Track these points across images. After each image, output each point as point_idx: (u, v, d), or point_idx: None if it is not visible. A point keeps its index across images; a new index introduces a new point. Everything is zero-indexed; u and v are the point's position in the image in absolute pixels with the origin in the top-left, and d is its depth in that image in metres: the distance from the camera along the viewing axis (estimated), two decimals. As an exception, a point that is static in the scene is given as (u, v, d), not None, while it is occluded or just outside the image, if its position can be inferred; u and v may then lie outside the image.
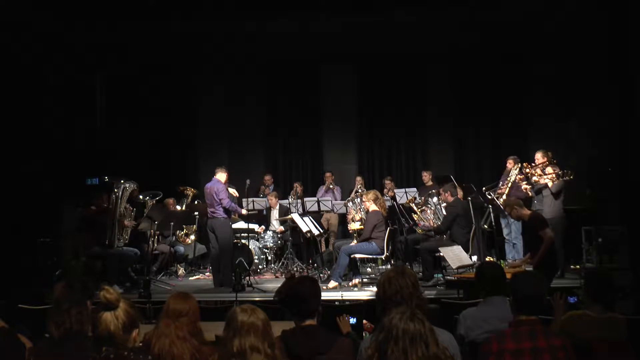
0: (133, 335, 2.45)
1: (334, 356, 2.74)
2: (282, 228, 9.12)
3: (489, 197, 7.88)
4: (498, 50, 10.11)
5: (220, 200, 7.34)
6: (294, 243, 8.96)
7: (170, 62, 10.32)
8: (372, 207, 7.38)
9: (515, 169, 7.83)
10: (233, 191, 7.91)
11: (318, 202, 8.95)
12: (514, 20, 9.17)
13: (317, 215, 8.95)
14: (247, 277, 7.31)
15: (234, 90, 10.89)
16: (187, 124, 10.90)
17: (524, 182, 7.57)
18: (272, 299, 3.42)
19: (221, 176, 7.57)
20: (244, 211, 7.98)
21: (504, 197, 7.63)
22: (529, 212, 6.10)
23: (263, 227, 9.07)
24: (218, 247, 7.42)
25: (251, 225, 8.50)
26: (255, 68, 10.81)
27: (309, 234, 7.91)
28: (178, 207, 8.73)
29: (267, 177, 10.27)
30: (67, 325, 2.69)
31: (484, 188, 8.13)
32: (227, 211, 7.47)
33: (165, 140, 10.56)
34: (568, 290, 4.81)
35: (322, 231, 8.26)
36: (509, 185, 7.82)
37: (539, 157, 7.57)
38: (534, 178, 7.40)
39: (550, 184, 7.29)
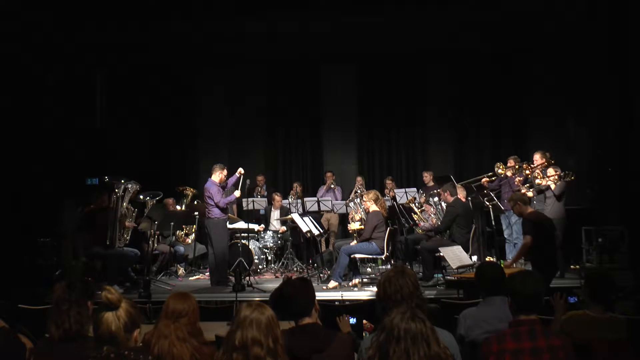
0: (134, 335, 2.45)
1: (333, 352, 2.75)
2: (283, 228, 9.13)
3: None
4: (498, 50, 10.10)
5: (216, 203, 7.36)
6: (294, 243, 8.96)
7: (170, 62, 10.33)
8: (373, 207, 7.38)
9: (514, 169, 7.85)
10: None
11: (318, 202, 8.96)
12: (514, 20, 9.17)
13: (317, 215, 8.95)
14: (247, 277, 7.30)
15: (234, 90, 10.90)
16: (187, 124, 10.91)
17: (525, 186, 7.58)
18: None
19: (216, 177, 7.56)
20: (237, 193, 7.63)
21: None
22: (530, 210, 6.10)
23: (262, 226, 9.07)
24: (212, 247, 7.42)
25: (251, 225, 8.50)
26: (255, 68, 10.81)
27: (309, 234, 7.90)
28: (178, 207, 8.73)
29: (260, 178, 10.18)
30: (67, 325, 2.68)
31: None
32: (224, 210, 7.48)
33: (165, 140, 10.56)
34: (568, 290, 4.79)
35: (322, 231, 8.25)
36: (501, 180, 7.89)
37: (537, 157, 7.56)
38: (537, 181, 7.39)
39: (552, 186, 7.29)
